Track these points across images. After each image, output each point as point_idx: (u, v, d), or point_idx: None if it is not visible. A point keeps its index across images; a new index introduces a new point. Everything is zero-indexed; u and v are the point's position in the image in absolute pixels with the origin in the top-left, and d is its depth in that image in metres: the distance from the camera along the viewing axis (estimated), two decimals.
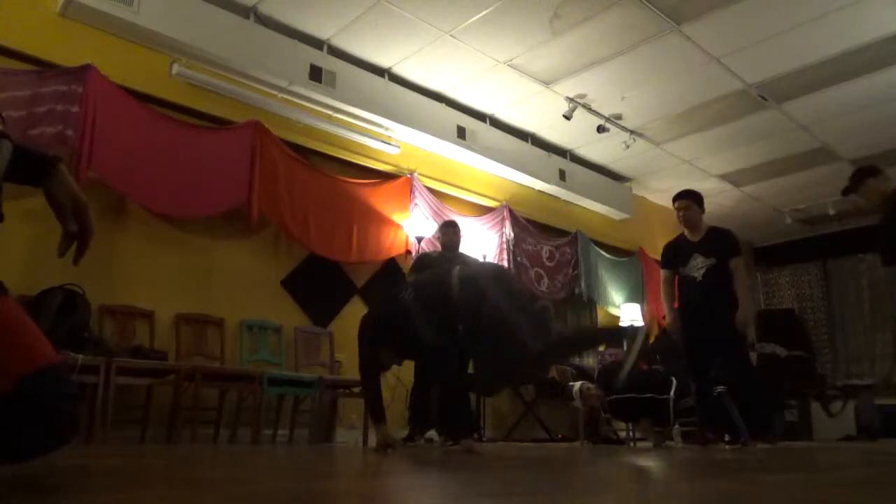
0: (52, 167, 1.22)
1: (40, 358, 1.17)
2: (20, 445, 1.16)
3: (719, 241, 4.48)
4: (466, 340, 3.32)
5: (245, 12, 5.14)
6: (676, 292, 4.62)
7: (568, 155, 7.52)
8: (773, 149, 7.36)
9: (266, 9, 5.14)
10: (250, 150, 5.06)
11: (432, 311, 3.26)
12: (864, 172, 4.17)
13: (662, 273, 4.76)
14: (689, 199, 4.58)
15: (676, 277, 4.60)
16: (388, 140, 6.05)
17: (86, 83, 4.27)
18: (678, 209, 4.60)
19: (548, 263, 7.22)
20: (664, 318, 6.98)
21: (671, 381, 4.67)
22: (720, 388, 4.33)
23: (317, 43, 5.51)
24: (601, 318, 7.91)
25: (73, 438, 1.23)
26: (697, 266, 4.44)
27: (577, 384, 4.72)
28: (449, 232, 4.98)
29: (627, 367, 3.61)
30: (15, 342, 1.16)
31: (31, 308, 3.66)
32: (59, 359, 1.23)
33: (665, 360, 5.77)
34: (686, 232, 4.61)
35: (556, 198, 7.61)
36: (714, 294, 4.34)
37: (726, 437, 4.45)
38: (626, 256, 8.27)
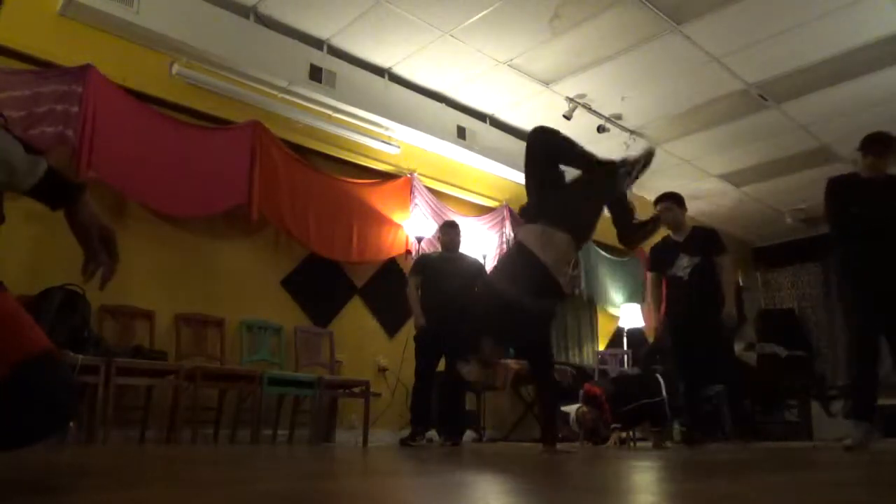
0: (78, 194, 1.23)
1: (35, 345, 1.20)
2: (15, 431, 1.18)
3: (703, 240, 4.52)
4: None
5: (245, 12, 5.14)
6: (664, 294, 4.62)
7: None
8: (773, 149, 7.35)
9: (266, 9, 5.14)
10: (250, 150, 5.06)
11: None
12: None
13: (649, 276, 4.79)
14: (669, 201, 4.63)
15: (665, 280, 4.61)
16: (388, 140, 6.05)
17: (86, 83, 4.27)
18: (659, 211, 4.58)
19: None
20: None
21: (660, 382, 4.66)
22: (715, 389, 4.33)
23: (317, 43, 5.51)
24: (601, 318, 7.91)
25: (68, 424, 1.26)
26: (683, 266, 4.46)
27: (574, 409, 4.69)
28: (450, 232, 4.98)
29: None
30: (10, 330, 1.19)
31: (31, 308, 3.65)
32: (54, 347, 1.24)
33: (665, 361, 5.78)
34: (671, 233, 4.65)
35: None
36: (700, 293, 4.35)
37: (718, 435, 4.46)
38: (626, 256, 8.26)
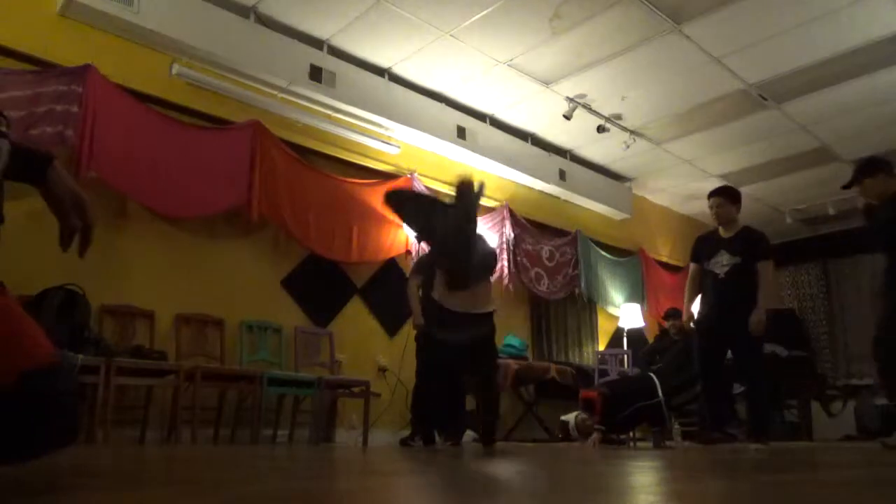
0: (47, 165, 1.23)
1: (42, 353, 1.17)
2: (23, 442, 1.14)
3: (749, 241, 4.44)
4: None
5: (245, 12, 5.14)
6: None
7: (568, 155, 7.52)
8: (773, 149, 7.35)
9: (266, 9, 5.14)
10: (250, 150, 5.06)
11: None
12: (866, 172, 4.03)
13: (690, 267, 4.73)
14: (721, 196, 4.58)
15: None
16: (388, 140, 6.04)
17: (86, 83, 4.27)
18: (711, 206, 4.59)
19: (548, 263, 7.22)
20: (663, 317, 6.98)
21: (654, 383, 4.64)
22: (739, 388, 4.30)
23: (317, 43, 5.51)
24: (601, 318, 7.91)
25: (75, 437, 1.23)
26: (721, 263, 4.41)
27: (572, 417, 4.67)
28: None
29: None
30: (16, 337, 1.15)
31: (31, 308, 3.66)
32: (60, 355, 1.23)
33: (663, 360, 5.77)
34: (720, 228, 4.59)
35: (556, 198, 7.60)
36: (732, 294, 4.30)
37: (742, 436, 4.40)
38: (626, 256, 8.27)
